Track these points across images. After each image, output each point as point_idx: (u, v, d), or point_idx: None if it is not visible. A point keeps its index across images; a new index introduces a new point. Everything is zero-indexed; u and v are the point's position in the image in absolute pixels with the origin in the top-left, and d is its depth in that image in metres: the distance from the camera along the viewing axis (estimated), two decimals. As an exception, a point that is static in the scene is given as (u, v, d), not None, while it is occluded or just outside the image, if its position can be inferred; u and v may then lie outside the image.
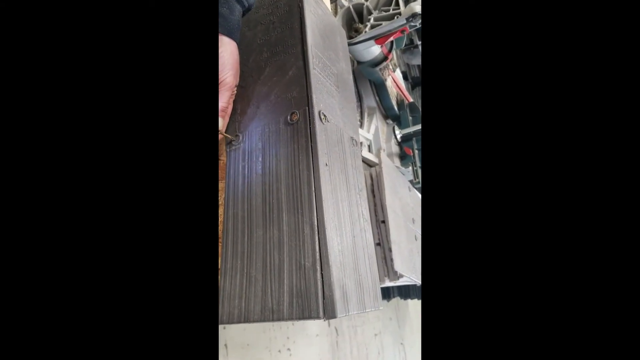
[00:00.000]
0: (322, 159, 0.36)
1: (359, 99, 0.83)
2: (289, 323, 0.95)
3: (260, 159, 0.39)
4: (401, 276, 0.54)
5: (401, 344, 1.40)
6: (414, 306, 1.61)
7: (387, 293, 1.26)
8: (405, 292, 1.24)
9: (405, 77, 1.62)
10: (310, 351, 0.98)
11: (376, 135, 0.80)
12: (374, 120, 0.81)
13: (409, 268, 0.58)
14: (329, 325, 1.08)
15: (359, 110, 0.82)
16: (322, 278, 0.32)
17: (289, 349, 0.93)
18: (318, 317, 0.32)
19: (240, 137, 0.42)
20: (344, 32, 0.56)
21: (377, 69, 0.80)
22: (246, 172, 0.40)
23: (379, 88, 0.84)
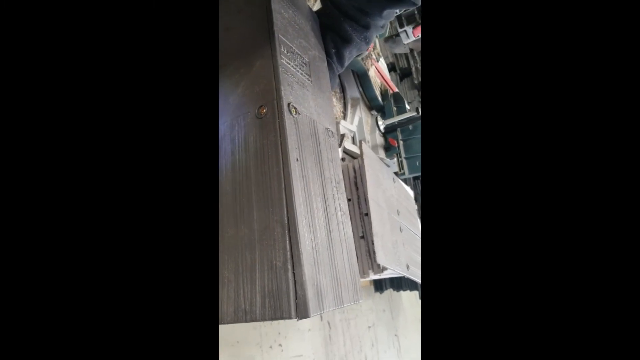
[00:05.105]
0: (293, 153, 0.35)
1: (342, 89, 0.81)
2: (280, 319, 0.94)
3: (229, 154, 0.38)
4: (385, 269, 0.53)
5: (395, 335, 1.41)
6: (407, 298, 1.62)
7: (379, 285, 1.26)
8: (397, 284, 1.24)
9: (393, 69, 1.61)
10: (303, 346, 0.98)
11: (360, 127, 0.79)
12: (358, 112, 0.80)
13: (393, 260, 0.58)
14: (322, 319, 1.07)
15: (343, 101, 0.81)
16: (294, 277, 0.31)
17: (280, 345, 0.92)
18: (290, 317, 0.31)
19: None
20: (316, 17, 0.54)
21: (359, 58, 0.78)
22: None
23: (362, 78, 0.83)
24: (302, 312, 0.30)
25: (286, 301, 0.31)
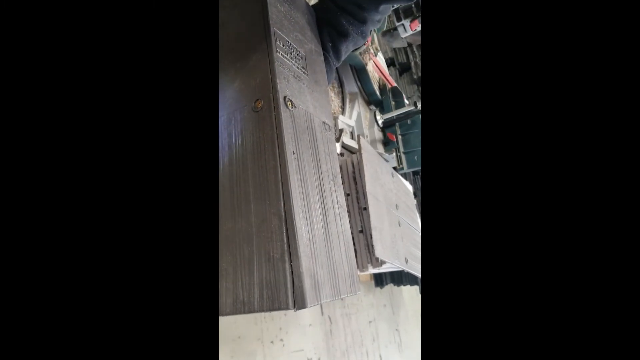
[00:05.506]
0: (289, 146, 0.35)
1: (340, 84, 0.81)
2: (281, 313, 0.95)
3: (226, 148, 0.38)
4: (383, 262, 0.54)
5: (396, 330, 1.42)
6: (408, 292, 1.62)
7: (380, 280, 1.26)
8: (398, 278, 1.25)
9: (392, 63, 1.60)
10: (304, 341, 0.98)
11: (358, 122, 0.79)
12: (356, 106, 0.80)
13: (392, 254, 0.58)
14: (322, 314, 1.08)
15: (341, 96, 0.81)
16: (292, 269, 0.32)
17: (281, 340, 0.93)
18: (287, 308, 0.31)
19: None
20: (312, 11, 0.54)
21: (357, 52, 0.78)
22: None
23: (360, 73, 0.83)
24: (299, 303, 0.31)
25: (284, 292, 0.31)
